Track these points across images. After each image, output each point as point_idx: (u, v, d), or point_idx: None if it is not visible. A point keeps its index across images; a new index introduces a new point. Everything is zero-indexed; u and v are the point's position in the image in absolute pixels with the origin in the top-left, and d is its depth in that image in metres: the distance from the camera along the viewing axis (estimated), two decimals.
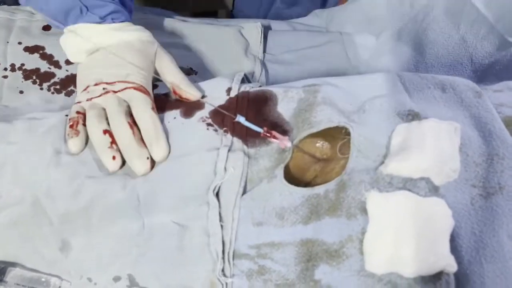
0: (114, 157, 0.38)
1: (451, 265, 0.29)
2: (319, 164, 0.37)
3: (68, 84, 0.53)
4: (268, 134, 0.36)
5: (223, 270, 0.33)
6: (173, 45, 0.57)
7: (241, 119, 0.35)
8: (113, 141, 0.39)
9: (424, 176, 0.33)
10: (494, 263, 0.29)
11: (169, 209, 0.36)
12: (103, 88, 0.42)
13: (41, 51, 0.54)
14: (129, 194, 0.37)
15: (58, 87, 0.53)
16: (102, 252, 0.37)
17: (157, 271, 0.35)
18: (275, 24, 0.65)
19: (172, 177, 0.37)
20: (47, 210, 0.38)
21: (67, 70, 0.53)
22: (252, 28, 0.59)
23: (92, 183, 0.38)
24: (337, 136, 0.38)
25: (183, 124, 0.40)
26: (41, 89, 0.52)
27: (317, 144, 0.38)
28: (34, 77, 0.53)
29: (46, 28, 0.57)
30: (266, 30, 0.62)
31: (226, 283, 0.33)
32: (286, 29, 0.64)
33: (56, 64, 0.54)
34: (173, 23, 0.59)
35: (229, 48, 0.57)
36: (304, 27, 0.66)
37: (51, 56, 0.54)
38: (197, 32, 0.59)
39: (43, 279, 0.39)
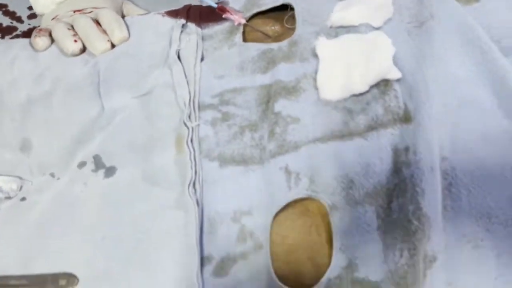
0: (75, 41, 0.40)
1: (395, 73, 0.32)
2: (271, 40, 0.40)
3: (30, 35, 0.55)
4: (222, 11, 0.39)
5: (189, 118, 0.34)
6: None
7: None
8: (76, 34, 0.41)
9: (364, 22, 0.36)
10: (434, 68, 0.32)
11: (128, 85, 0.37)
12: (74, 12, 0.44)
13: (3, 9, 0.57)
14: (90, 70, 0.38)
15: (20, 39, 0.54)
16: (64, 143, 0.37)
17: (124, 142, 0.36)
18: None
19: (130, 52, 0.39)
20: (8, 102, 0.38)
21: (29, 24, 0.56)
22: None
23: (55, 64, 0.39)
24: (284, 17, 0.41)
25: (138, 18, 0.43)
26: None
27: (268, 25, 0.41)
28: None
29: None
30: None
31: (192, 128, 0.34)
32: None
33: (19, 19, 0.56)
34: None
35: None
36: None
37: (13, 13, 0.57)
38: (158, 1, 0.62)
39: None
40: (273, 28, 0.41)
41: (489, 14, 0.35)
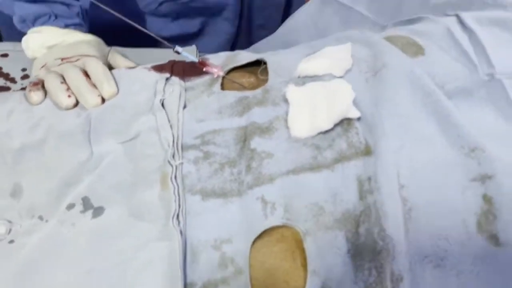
0: (69, 96, 0.43)
1: (354, 112, 0.37)
2: (247, 89, 0.45)
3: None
4: (203, 64, 0.44)
5: (173, 157, 0.38)
6: None
7: (179, 49, 0.43)
8: (69, 88, 0.44)
9: (327, 73, 0.41)
10: (387, 108, 0.37)
11: (114, 132, 0.41)
12: (61, 60, 0.49)
13: None
14: (82, 120, 0.42)
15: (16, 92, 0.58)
16: (53, 185, 0.39)
17: (111, 184, 0.38)
18: None
19: (118, 103, 0.43)
20: (2, 148, 0.41)
21: (22, 84, 0.59)
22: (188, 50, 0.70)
23: (50, 116, 0.42)
24: (257, 70, 0.46)
25: (126, 71, 0.47)
26: None
27: (244, 77, 0.46)
28: None
29: (4, 55, 0.64)
30: None
31: (176, 166, 0.37)
32: None
33: (12, 80, 0.60)
34: (120, 50, 0.69)
35: None
36: None
37: (7, 74, 0.60)
38: (143, 55, 0.68)
39: None
40: (248, 80, 0.45)
41: (432, 65, 0.41)
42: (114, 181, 0.38)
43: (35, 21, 0.53)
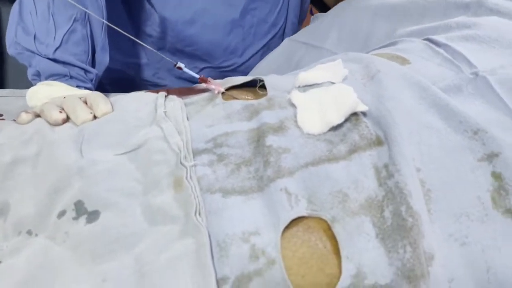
0: (60, 112, 0.42)
1: (362, 106, 0.38)
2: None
3: None
4: (204, 81, 0.44)
5: (185, 159, 0.37)
6: None
7: (181, 64, 0.44)
8: (63, 109, 0.43)
9: (326, 80, 0.44)
10: (392, 101, 0.39)
11: (110, 144, 0.39)
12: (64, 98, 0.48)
13: None
14: (75, 132, 0.40)
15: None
16: (41, 196, 0.36)
17: (110, 188, 0.36)
18: None
19: (115, 118, 0.42)
20: None
21: None
22: None
23: (42, 129, 0.40)
24: (253, 89, 0.47)
25: (121, 95, 0.47)
26: None
27: (243, 94, 0.47)
28: None
29: None
30: None
31: (189, 167, 0.36)
32: None
33: None
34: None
35: None
36: None
37: None
38: None
39: None
40: (246, 97, 0.47)
41: (419, 70, 0.44)
42: (115, 185, 0.36)
43: (50, 77, 0.53)
